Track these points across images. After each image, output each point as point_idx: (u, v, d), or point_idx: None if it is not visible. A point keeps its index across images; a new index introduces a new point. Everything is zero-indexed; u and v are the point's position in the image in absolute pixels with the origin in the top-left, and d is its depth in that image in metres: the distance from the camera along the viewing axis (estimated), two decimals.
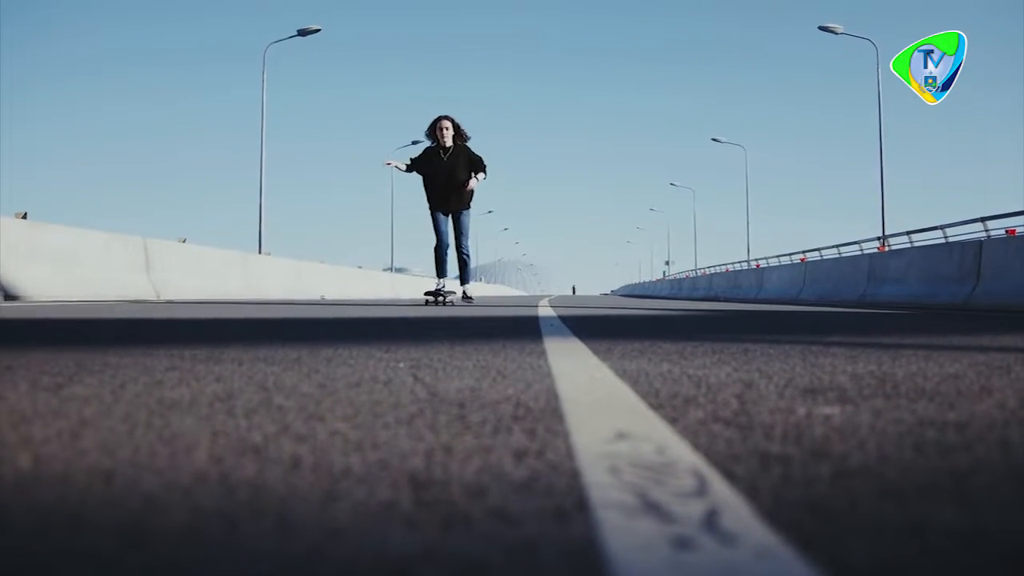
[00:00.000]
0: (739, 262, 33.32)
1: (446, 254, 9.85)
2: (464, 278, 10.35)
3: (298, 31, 23.68)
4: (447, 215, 9.75)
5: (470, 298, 10.30)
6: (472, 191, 9.62)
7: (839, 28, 23.59)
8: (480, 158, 9.64)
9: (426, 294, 9.98)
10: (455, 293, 10.10)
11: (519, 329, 4.21)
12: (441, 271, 10.00)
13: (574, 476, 0.88)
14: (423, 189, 9.77)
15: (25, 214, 10.95)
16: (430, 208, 9.79)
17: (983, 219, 13.57)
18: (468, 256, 9.99)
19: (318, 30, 23.49)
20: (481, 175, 9.53)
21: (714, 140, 39.89)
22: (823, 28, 24.00)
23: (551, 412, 1.30)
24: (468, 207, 9.74)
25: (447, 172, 9.57)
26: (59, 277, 10.89)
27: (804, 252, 22.75)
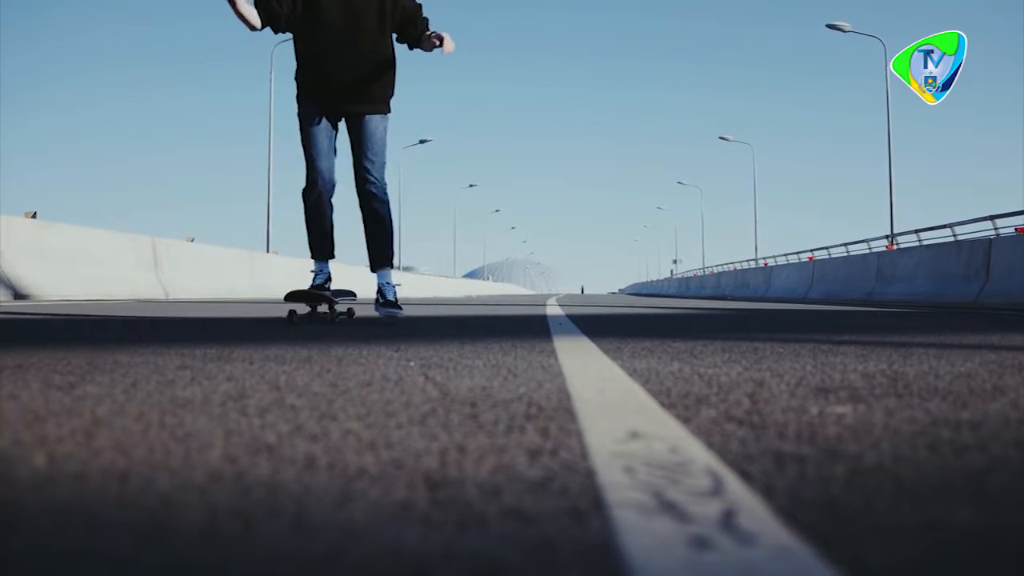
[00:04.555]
0: (747, 261, 33.26)
1: (330, 207, 4.41)
2: (381, 256, 4.50)
3: None
4: (337, 120, 4.38)
5: (394, 304, 4.51)
6: (392, 76, 4.41)
7: (847, 26, 23.50)
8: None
9: (290, 298, 4.41)
10: (353, 296, 4.78)
11: (528, 328, 4.21)
12: (322, 245, 4.45)
13: (589, 475, 0.88)
14: (297, 66, 4.38)
15: (35, 213, 11.00)
16: (301, 110, 4.34)
17: (992, 217, 13.52)
18: (385, 206, 4.44)
19: None
20: (436, 38, 4.33)
21: (721, 138, 39.81)
22: (830, 26, 23.92)
23: (563, 411, 1.30)
24: (386, 107, 4.40)
25: (344, 24, 4.27)
26: (68, 276, 10.94)
27: (812, 251, 22.68)
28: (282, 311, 4.99)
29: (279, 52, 23.96)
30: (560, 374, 1.82)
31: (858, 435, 1.13)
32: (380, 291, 4.48)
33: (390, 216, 4.48)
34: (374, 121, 4.37)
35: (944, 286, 12.23)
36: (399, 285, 4.60)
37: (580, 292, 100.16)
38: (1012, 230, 12.48)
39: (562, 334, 3.46)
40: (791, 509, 0.77)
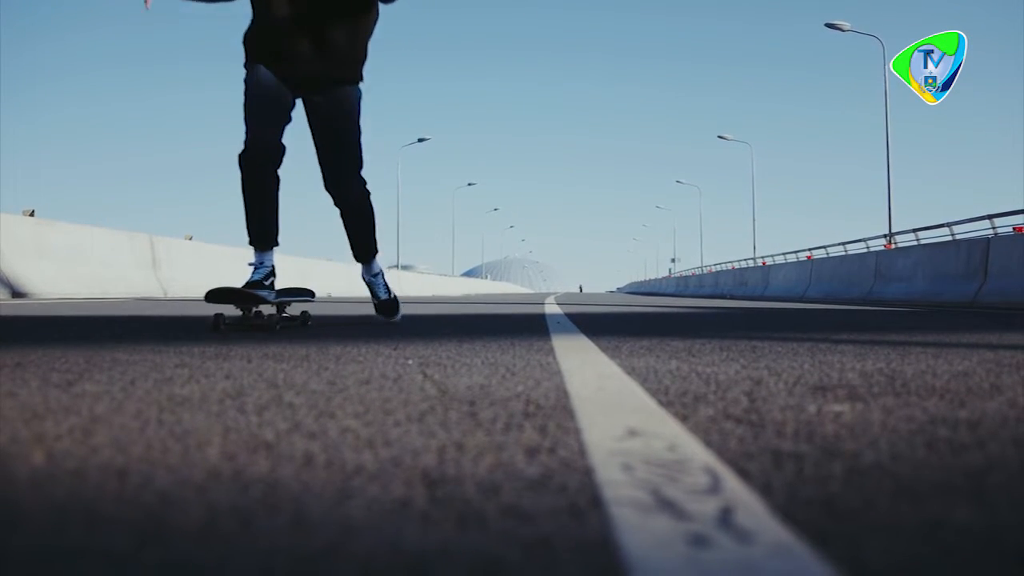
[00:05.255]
0: (745, 260, 33.28)
1: (275, 180, 3.58)
2: (364, 247, 4.05)
3: None
4: (296, 91, 3.63)
5: (392, 304, 4.16)
6: (364, 36, 3.69)
7: (846, 25, 23.50)
8: None
9: (212, 298, 3.44)
10: (308, 296, 4.00)
11: (526, 326, 4.21)
12: (263, 229, 3.59)
13: (587, 473, 0.88)
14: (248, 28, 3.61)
15: (33, 212, 10.99)
16: (250, 75, 3.56)
17: (990, 216, 13.53)
18: (362, 191, 3.86)
19: None
20: None
21: (720, 137, 39.83)
22: (829, 25, 23.93)
23: (561, 409, 1.30)
24: (357, 74, 3.72)
25: None
26: (66, 274, 10.93)
27: (810, 250, 22.70)
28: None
29: None
30: (558, 372, 1.82)
31: (856, 433, 1.13)
32: (371, 291, 4.13)
33: (369, 200, 3.90)
34: (343, 92, 3.65)
35: (942, 285, 12.24)
36: (380, 273, 4.15)
37: (578, 291, 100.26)
38: (1010, 229, 12.50)
39: (560, 333, 3.46)
40: (789, 507, 0.77)
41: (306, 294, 3.94)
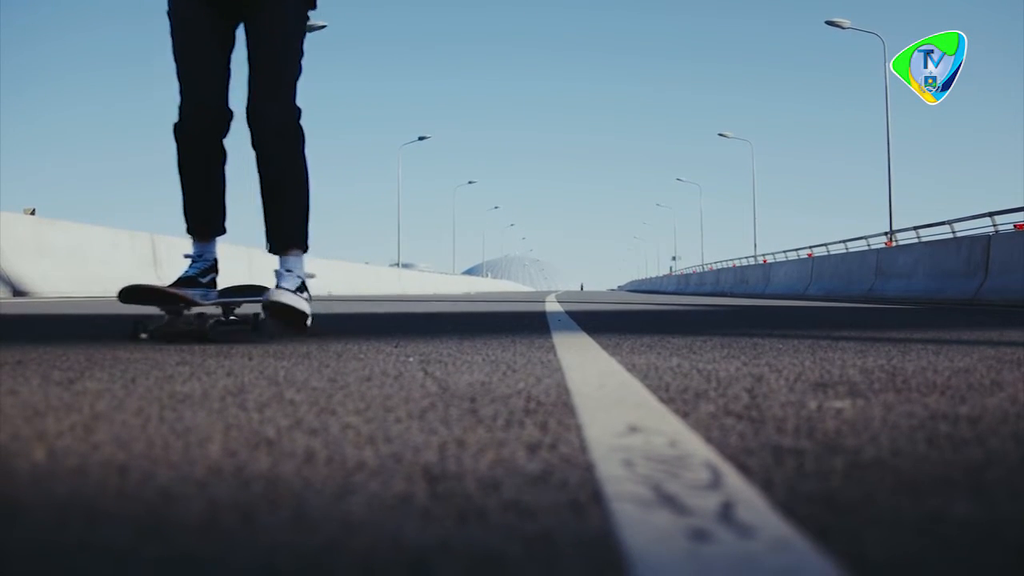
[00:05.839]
0: (746, 258, 33.28)
1: (219, 152, 2.92)
2: (283, 229, 2.91)
3: None
4: (232, 22, 2.88)
5: (298, 310, 2.75)
6: None
7: (846, 23, 23.48)
8: None
9: (126, 298, 2.74)
10: (258, 294, 2.90)
11: (527, 324, 4.21)
12: (203, 214, 2.96)
13: (588, 469, 0.88)
14: None
15: (33, 211, 11.00)
16: (173, 9, 2.86)
17: (991, 214, 13.52)
18: (292, 145, 2.87)
19: (323, 26, 23.49)
20: None
21: (720, 135, 39.81)
22: (830, 23, 23.90)
23: (562, 406, 1.30)
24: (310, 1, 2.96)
25: None
26: (67, 273, 10.93)
27: (811, 248, 22.69)
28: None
29: None
30: (559, 369, 1.82)
31: (856, 429, 1.13)
32: (271, 301, 2.74)
33: (302, 164, 2.89)
34: (283, 8, 2.83)
35: (943, 283, 12.24)
36: (312, 277, 2.95)
37: (579, 289, 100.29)
38: (1011, 227, 12.49)
39: (561, 330, 3.46)
40: (789, 502, 0.77)
41: (254, 292, 2.96)
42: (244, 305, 2.95)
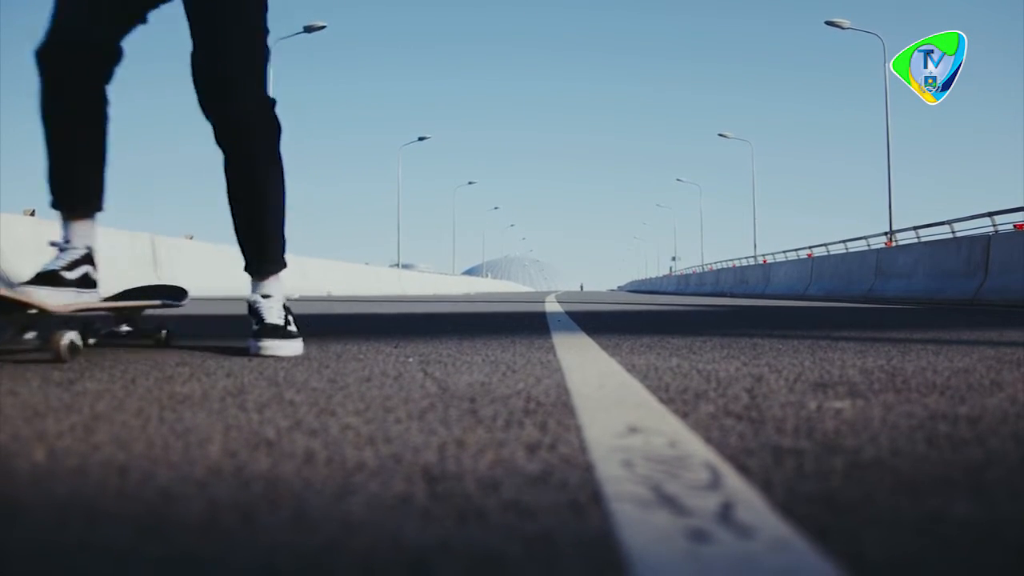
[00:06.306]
0: (746, 258, 33.28)
1: (98, 97, 2.14)
2: (256, 245, 2.34)
3: (304, 27, 23.68)
4: None
5: (283, 331, 2.18)
6: None
7: (846, 23, 23.48)
8: None
9: None
10: (174, 299, 2.59)
11: (527, 324, 4.21)
12: (70, 180, 2.14)
13: (588, 469, 0.88)
14: None
15: (33, 211, 11.00)
16: None
17: (991, 214, 13.52)
18: (264, 137, 2.29)
19: (324, 27, 23.50)
20: None
21: (720, 136, 39.81)
22: (830, 23, 23.91)
23: (562, 406, 1.30)
24: None
25: None
26: None
27: (811, 248, 22.69)
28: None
29: (277, 49, 23.96)
30: (559, 370, 1.83)
31: (856, 430, 1.13)
32: (253, 310, 2.27)
33: (273, 136, 2.32)
34: None
35: (943, 283, 12.24)
36: (295, 299, 2.21)
37: (579, 289, 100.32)
38: (1011, 227, 12.49)
39: (561, 331, 3.46)
40: (789, 502, 0.77)
41: (169, 295, 2.44)
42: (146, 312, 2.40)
